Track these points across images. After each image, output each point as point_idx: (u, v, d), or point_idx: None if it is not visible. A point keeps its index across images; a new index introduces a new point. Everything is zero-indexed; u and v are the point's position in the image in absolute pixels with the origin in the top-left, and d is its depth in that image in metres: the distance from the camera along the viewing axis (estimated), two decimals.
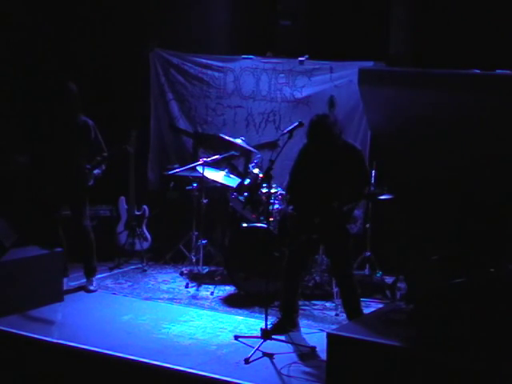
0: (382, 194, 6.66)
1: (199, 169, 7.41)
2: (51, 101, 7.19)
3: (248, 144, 7.64)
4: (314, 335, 5.96)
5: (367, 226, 7.24)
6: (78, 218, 7.04)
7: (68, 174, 6.95)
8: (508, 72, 6.45)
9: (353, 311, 5.90)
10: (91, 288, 7.07)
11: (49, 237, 7.02)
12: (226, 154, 7.70)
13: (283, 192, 6.87)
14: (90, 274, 7.16)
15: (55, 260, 6.75)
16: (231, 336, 5.91)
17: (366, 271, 7.27)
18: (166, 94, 8.57)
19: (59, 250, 6.84)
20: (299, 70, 7.89)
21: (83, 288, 7.11)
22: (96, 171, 7.01)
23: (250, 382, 4.97)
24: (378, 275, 7.11)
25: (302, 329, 6.11)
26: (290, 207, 6.24)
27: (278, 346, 5.62)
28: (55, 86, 7.10)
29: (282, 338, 5.81)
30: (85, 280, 7.20)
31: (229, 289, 7.15)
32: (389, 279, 7.01)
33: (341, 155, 5.82)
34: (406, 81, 6.86)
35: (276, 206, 6.99)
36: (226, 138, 7.62)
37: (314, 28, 8.01)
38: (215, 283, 7.22)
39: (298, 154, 6.03)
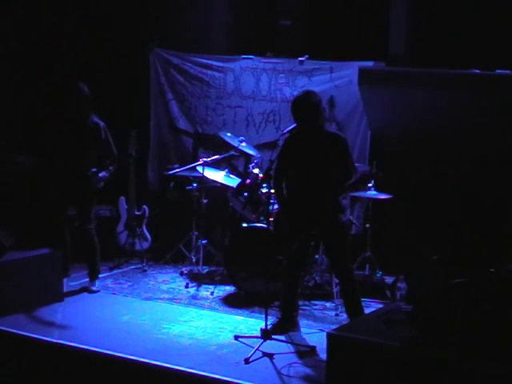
0: (372, 179, 6.65)
1: (199, 169, 7.41)
2: (61, 101, 7.18)
3: (248, 144, 7.63)
4: (314, 335, 5.96)
5: (367, 226, 7.24)
6: (83, 219, 7.03)
7: (76, 174, 6.91)
8: (508, 72, 6.46)
9: (354, 308, 5.89)
10: (94, 289, 7.07)
11: (53, 237, 7.02)
12: (225, 154, 7.70)
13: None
14: (93, 275, 7.14)
15: (55, 260, 6.74)
16: (231, 336, 5.91)
17: (366, 271, 7.26)
18: (165, 94, 8.57)
19: (61, 249, 6.84)
20: (299, 70, 7.89)
21: (85, 289, 7.10)
22: (102, 173, 6.96)
23: (250, 382, 4.97)
24: (378, 275, 7.11)
25: (302, 329, 6.10)
26: (280, 207, 6.25)
27: (278, 346, 5.62)
28: (65, 87, 7.08)
29: (282, 338, 5.81)
30: (86, 280, 7.19)
31: (229, 289, 7.15)
32: (389, 279, 7.00)
33: (325, 144, 5.80)
34: (406, 81, 6.87)
35: (276, 206, 6.98)
36: (226, 138, 7.62)
37: (314, 28, 8.00)
38: (215, 283, 7.22)
39: (281, 150, 6.00)
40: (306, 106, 5.77)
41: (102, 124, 6.95)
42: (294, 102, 5.88)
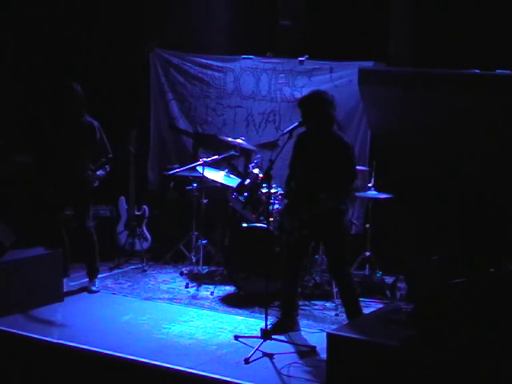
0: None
1: (199, 169, 7.41)
2: (56, 101, 7.19)
3: (248, 144, 7.64)
4: (314, 335, 5.95)
5: (367, 226, 7.24)
6: (82, 218, 7.04)
7: (72, 174, 6.93)
8: (508, 72, 6.46)
9: (352, 310, 5.90)
10: (94, 289, 7.06)
11: (51, 237, 7.02)
12: (225, 154, 7.69)
13: (283, 191, 6.86)
14: (92, 274, 7.14)
15: (55, 260, 6.74)
16: (231, 336, 5.90)
17: (366, 271, 7.26)
18: (166, 94, 8.57)
19: (59, 249, 6.84)
20: (299, 69, 7.89)
21: (85, 289, 7.10)
22: (100, 172, 6.98)
23: (250, 382, 4.97)
24: (378, 275, 7.11)
25: (302, 329, 6.10)
26: (284, 202, 6.27)
27: (278, 346, 5.62)
28: (59, 87, 7.10)
29: (282, 337, 5.81)
30: (86, 280, 7.20)
31: (229, 289, 7.15)
32: (389, 279, 7.01)
33: (330, 146, 5.80)
34: (405, 81, 6.87)
35: (276, 206, 6.99)
36: (226, 139, 7.62)
37: (314, 28, 8.01)
38: (215, 283, 7.22)
39: (293, 146, 6.02)
40: (309, 106, 5.77)
41: (95, 123, 6.97)
42: (300, 100, 5.90)
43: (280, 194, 7.00)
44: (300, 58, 7.86)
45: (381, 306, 6.44)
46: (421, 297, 4.80)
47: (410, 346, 4.50)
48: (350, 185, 5.83)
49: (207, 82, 8.38)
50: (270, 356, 5.45)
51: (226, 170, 7.58)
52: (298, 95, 7.72)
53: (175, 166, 7.96)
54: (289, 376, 5.15)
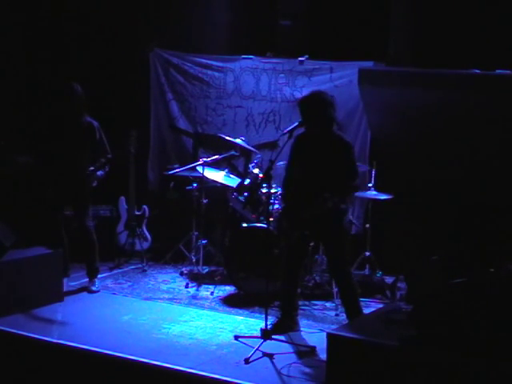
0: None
1: (199, 169, 7.41)
2: (56, 101, 7.19)
3: (248, 144, 7.64)
4: (314, 335, 5.95)
5: (367, 226, 7.24)
6: (81, 218, 7.05)
7: (71, 174, 6.94)
8: (508, 72, 6.46)
9: (352, 310, 5.90)
10: (94, 289, 7.06)
11: (51, 237, 7.02)
12: (225, 154, 7.69)
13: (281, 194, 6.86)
14: (92, 274, 7.14)
15: (55, 260, 6.74)
16: (231, 336, 5.90)
17: (366, 271, 7.26)
18: (166, 94, 8.57)
19: (59, 249, 6.84)
20: (299, 69, 7.89)
21: (85, 289, 7.10)
22: (99, 173, 7.00)
23: (250, 382, 4.97)
24: (378, 275, 7.11)
25: (302, 329, 6.10)
26: (283, 204, 6.26)
27: (278, 346, 5.62)
28: (59, 87, 7.10)
29: (282, 338, 5.81)
30: (86, 280, 7.20)
31: (229, 289, 7.15)
32: (389, 279, 7.02)
33: (331, 146, 5.80)
34: (406, 81, 6.87)
35: (276, 206, 6.99)
36: (226, 138, 7.62)
37: (314, 28, 8.00)
38: (215, 283, 7.22)
39: (291, 148, 6.02)
40: (310, 106, 5.77)
41: (95, 123, 6.97)
42: (300, 101, 5.90)
43: (280, 194, 7.00)
44: (300, 58, 7.86)
45: (381, 306, 6.44)
46: (421, 297, 4.79)
47: (410, 345, 4.50)
48: (351, 184, 5.83)
49: (207, 82, 8.39)
50: (270, 356, 5.45)
51: (226, 170, 7.58)
52: (298, 95, 7.72)
53: (175, 166, 7.96)
54: (289, 376, 5.16)
